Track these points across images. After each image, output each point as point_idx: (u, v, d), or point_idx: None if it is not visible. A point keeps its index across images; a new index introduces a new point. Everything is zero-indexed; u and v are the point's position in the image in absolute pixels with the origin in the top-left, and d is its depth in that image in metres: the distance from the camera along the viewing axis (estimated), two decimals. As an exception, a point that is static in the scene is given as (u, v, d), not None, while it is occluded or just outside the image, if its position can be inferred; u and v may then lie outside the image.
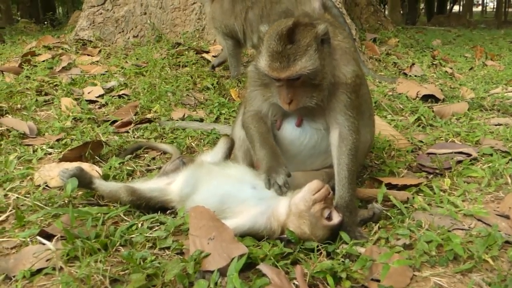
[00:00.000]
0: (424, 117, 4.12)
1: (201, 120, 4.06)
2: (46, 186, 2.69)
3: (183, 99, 4.56)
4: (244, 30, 5.18)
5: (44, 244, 1.96)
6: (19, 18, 16.89)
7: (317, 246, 2.02)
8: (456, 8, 41.99)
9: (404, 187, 2.70)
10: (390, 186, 2.69)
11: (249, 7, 5.09)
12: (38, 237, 2.01)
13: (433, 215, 2.35)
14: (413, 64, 6.69)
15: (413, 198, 2.58)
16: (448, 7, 38.12)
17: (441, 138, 3.67)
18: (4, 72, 5.30)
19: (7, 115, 3.92)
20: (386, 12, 20.53)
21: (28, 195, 2.53)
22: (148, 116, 4.05)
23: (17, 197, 2.50)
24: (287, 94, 2.23)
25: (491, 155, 3.16)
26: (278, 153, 2.35)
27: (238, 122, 2.81)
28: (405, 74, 6.39)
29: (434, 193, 2.63)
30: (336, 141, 2.36)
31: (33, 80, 4.96)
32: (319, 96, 2.26)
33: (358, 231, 2.18)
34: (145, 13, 7.27)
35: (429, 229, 2.20)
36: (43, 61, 5.91)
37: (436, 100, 4.82)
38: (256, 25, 5.09)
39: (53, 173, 2.77)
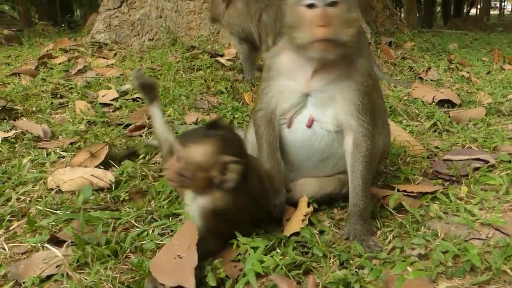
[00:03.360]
0: (440, 123, 4.04)
1: (214, 124, 4.04)
2: (59, 189, 2.70)
3: (197, 102, 4.55)
4: (259, 33, 5.15)
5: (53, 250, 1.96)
6: (37, 21, 17.13)
7: (330, 255, 1.99)
8: (473, 11, 41.45)
9: (419, 195, 2.65)
10: (405, 194, 2.63)
11: (263, 9, 5.07)
12: (47, 245, 2.01)
13: (449, 224, 2.29)
14: (429, 68, 6.59)
15: (429, 206, 2.52)
16: (465, 10, 37.67)
17: (458, 144, 3.59)
18: (20, 75, 5.35)
19: (22, 117, 3.95)
20: (402, 15, 20.34)
21: (40, 199, 2.54)
22: (162, 119, 4.04)
23: (29, 201, 2.51)
24: (324, 17, 2.13)
25: (509, 162, 3.08)
26: (281, 170, 2.43)
27: (250, 126, 2.78)
28: (421, 78, 6.29)
29: (451, 201, 2.57)
30: (350, 148, 2.32)
31: (49, 82, 5.00)
32: (351, 34, 2.20)
33: (372, 240, 2.14)
34: (160, 17, 7.29)
35: (445, 239, 2.15)
36: (59, 63, 5.95)
37: (453, 105, 4.73)
38: (271, 28, 5.06)
39: (66, 177, 2.78)
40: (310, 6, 2.16)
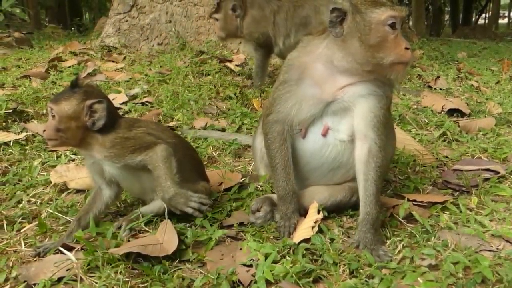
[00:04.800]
0: (450, 132, 4.03)
1: (223, 129, 4.05)
2: (68, 192, 2.71)
3: (206, 107, 4.56)
4: (275, 35, 5.17)
5: (65, 253, 1.97)
6: (47, 24, 17.28)
7: (340, 263, 1.98)
8: (481, 20, 41.37)
9: (429, 205, 2.63)
10: (415, 203, 2.62)
11: (276, 11, 5.10)
12: (60, 248, 2.02)
13: (459, 235, 2.28)
14: (438, 77, 6.56)
15: (439, 216, 2.51)
16: (473, 19, 37.60)
17: (467, 154, 3.58)
18: (31, 77, 5.39)
19: (32, 120, 3.98)
20: (410, 23, 20.34)
21: (51, 202, 2.56)
22: (171, 124, 4.06)
23: (40, 204, 2.53)
24: (405, 39, 2.20)
25: (520, 173, 3.07)
26: (297, 192, 2.43)
27: (258, 133, 2.78)
28: (429, 87, 6.26)
29: (461, 212, 2.56)
30: (364, 157, 2.31)
31: (59, 85, 5.03)
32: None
33: (382, 250, 2.13)
34: (170, 21, 7.34)
35: (455, 250, 2.13)
36: (69, 66, 6.00)
37: (462, 114, 4.72)
38: (283, 29, 5.10)
39: (70, 174, 2.81)
40: (392, 26, 2.16)
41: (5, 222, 2.33)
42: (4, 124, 3.76)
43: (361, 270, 1.97)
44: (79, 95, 2.20)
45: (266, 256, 2.00)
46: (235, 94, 4.96)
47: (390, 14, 2.15)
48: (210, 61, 6.21)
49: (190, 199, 2.25)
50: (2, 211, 2.40)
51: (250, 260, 2.01)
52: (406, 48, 2.17)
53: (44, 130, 2.22)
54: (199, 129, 3.99)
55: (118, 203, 2.58)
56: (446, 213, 2.56)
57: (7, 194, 2.68)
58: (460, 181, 2.96)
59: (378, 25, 2.16)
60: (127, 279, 1.85)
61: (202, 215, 2.27)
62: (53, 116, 2.18)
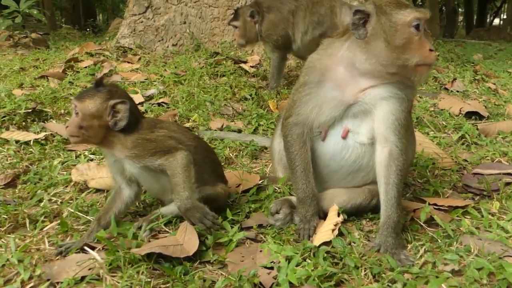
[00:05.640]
0: (469, 135, 3.98)
1: (239, 131, 4.05)
2: (89, 191, 2.74)
3: (222, 109, 4.56)
4: (294, 33, 5.17)
5: (87, 253, 1.98)
6: (62, 25, 17.46)
7: (362, 267, 1.97)
8: (496, 21, 40.91)
9: (450, 209, 2.60)
10: (435, 207, 2.59)
11: (294, 10, 5.11)
12: (86, 247, 2.04)
13: (482, 240, 2.24)
14: (454, 79, 6.50)
15: (460, 220, 2.48)
16: (488, 20, 37.22)
17: (487, 158, 3.53)
18: (49, 78, 5.45)
19: (51, 120, 4.02)
20: (424, 25, 20.18)
21: (71, 201, 2.58)
22: (187, 125, 4.07)
23: (61, 203, 2.55)
24: (429, 41, 2.22)
25: (542, 178, 3.02)
26: (316, 194, 2.42)
27: (277, 135, 2.77)
28: (446, 89, 6.21)
29: (482, 216, 2.52)
30: (385, 160, 2.29)
31: (76, 86, 5.07)
32: None
33: (403, 254, 2.11)
34: (184, 22, 7.36)
35: (479, 255, 2.11)
36: (86, 67, 6.04)
37: (480, 117, 4.67)
38: (302, 26, 5.10)
39: (91, 173, 2.83)
40: (417, 27, 2.18)
41: (27, 221, 2.36)
42: (23, 123, 3.81)
43: (383, 275, 1.95)
44: (103, 95, 2.22)
45: (287, 259, 2.00)
46: (250, 95, 4.95)
47: (415, 16, 2.15)
48: (225, 62, 6.22)
49: (205, 215, 2.21)
50: (24, 210, 2.42)
51: (271, 263, 2.00)
52: (430, 50, 2.17)
53: (67, 126, 2.23)
54: (215, 130, 3.99)
55: (137, 203, 2.59)
56: (467, 218, 2.52)
57: (28, 193, 2.71)
58: (481, 185, 2.92)
59: (404, 26, 2.16)
60: (149, 280, 1.86)
61: (212, 234, 2.21)
62: (77, 113, 2.20)
